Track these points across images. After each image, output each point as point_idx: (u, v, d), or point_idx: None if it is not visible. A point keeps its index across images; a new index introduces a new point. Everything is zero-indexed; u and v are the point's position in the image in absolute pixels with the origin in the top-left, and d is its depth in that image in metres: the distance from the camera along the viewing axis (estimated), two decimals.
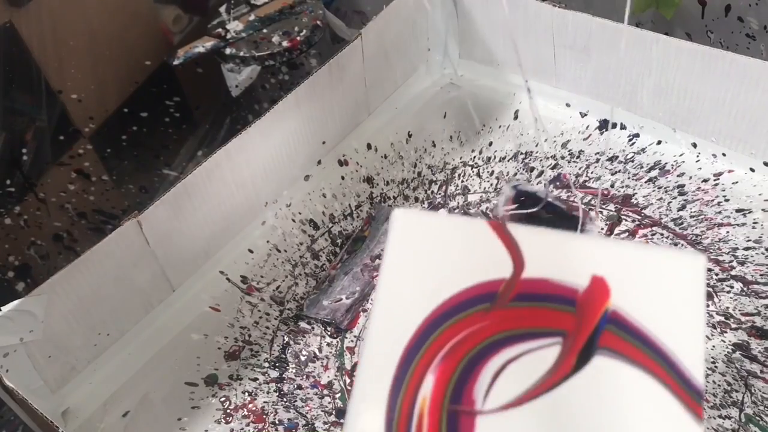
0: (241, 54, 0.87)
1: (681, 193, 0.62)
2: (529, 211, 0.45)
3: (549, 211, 0.46)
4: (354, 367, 0.55)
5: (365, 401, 0.22)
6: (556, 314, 0.23)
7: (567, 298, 0.23)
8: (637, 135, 0.68)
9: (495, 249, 0.24)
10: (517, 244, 0.24)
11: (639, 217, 0.61)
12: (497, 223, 0.25)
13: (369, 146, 0.72)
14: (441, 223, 0.25)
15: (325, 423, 0.52)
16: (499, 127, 0.72)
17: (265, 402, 0.54)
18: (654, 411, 0.21)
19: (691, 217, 0.60)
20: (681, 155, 0.65)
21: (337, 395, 0.54)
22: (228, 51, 0.87)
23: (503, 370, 0.22)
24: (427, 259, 0.24)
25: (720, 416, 0.48)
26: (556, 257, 0.24)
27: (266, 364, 0.56)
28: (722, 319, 0.53)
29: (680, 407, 0.21)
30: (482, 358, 0.22)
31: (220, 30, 0.90)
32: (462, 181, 0.67)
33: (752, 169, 0.62)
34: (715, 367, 0.51)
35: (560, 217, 0.47)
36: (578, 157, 0.67)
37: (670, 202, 0.62)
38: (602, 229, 0.61)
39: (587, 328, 0.23)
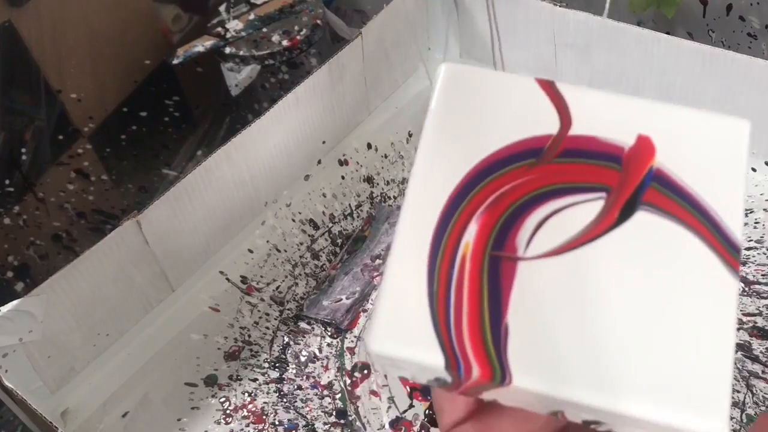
0: (241, 53, 0.87)
1: None
2: None
3: None
4: (354, 367, 0.55)
5: (407, 247, 0.23)
6: (601, 170, 0.23)
7: (613, 155, 0.23)
8: None
9: (542, 106, 0.24)
10: (566, 102, 0.24)
11: None
12: (546, 81, 0.24)
13: (369, 146, 0.72)
14: (489, 78, 0.25)
15: (325, 424, 0.52)
16: None
17: (265, 402, 0.54)
18: (693, 262, 0.22)
19: None
20: None
21: (338, 396, 0.53)
22: (228, 50, 0.87)
23: (546, 221, 0.23)
24: (473, 113, 0.24)
25: None
26: (603, 116, 0.24)
27: (266, 365, 0.56)
28: None
29: (718, 260, 0.22)
30: (526, 209, 0.23)
31: (219, 29, 0.90)
32: None
33: (754, 169, 0.62)
34: None
35: None
36: None
37: None
38: None
39: (632, 184, 0.23)
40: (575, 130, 0.24)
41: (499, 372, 0.21)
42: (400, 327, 0.22)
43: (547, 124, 0.24)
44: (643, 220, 0.22)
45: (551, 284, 0.22)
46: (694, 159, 0.23)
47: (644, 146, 0.23)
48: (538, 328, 0.22)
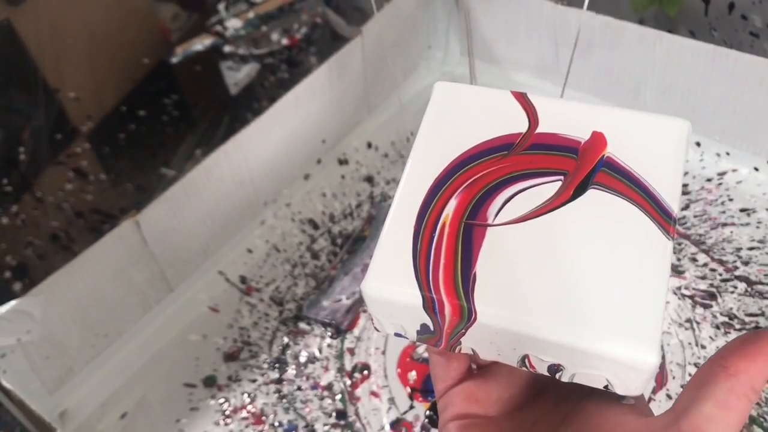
0: (240, 52, 0.87)
1: (684, 193, 0.62)
2: None
3: None
4: (354, 368, 0.55)
5: (399, 217, 0.28)
6: (561, 159, 0.28)
7: (571, 147, 0.29)
8: None
9: (515, 111, 0.30)
10: (535, 108, 0.30)
11: None
12: (519, 93, 0.31)
13: (369, 145, 0.71)
14: (473, 92, 0.31)
15: (324, 425, 0.52)
16: None
17: (264, 403, 0.54)
18: (633, 227, 0.26)
19: (694, 216, 0.60)
20: None
21: (337, 396, 0.53)
22: (227, 49, 0.87)
23: (513, 198, 0.28)
24: (458, 119, 0.30)
25: None
26: (565, 118, 0.29)
27: (265, 365, 0.56)
28: (726, 319, 0.53)
29: (654, 225, 0.26)
30: (497, 189, 0.28)
31: (218, 27, 0.90)
32: None
33: (756, 169, 0.62)
34: None
35: None
36: None
37: None
38: None
39: (585, 168, 0.28)
40: (541, 129, 0.29)
41: (466, 310, 0.26)
42: (389, 275, 0.27)
43: (518, 124, 0.30)
44: (593, 196, 0.27)
45: (514, 243, 0.27)
46: (640, 150, 0.28)
47: (598, 140, 0.29)
48: (501, 276, 0.26)
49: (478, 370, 0.32)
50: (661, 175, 0.28)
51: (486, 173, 0.29)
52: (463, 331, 0.27)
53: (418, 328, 0.28)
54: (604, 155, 0.28)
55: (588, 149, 0.28)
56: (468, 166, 0.29)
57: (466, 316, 0.26)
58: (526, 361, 0.27)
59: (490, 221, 0.27)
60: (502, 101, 0.31)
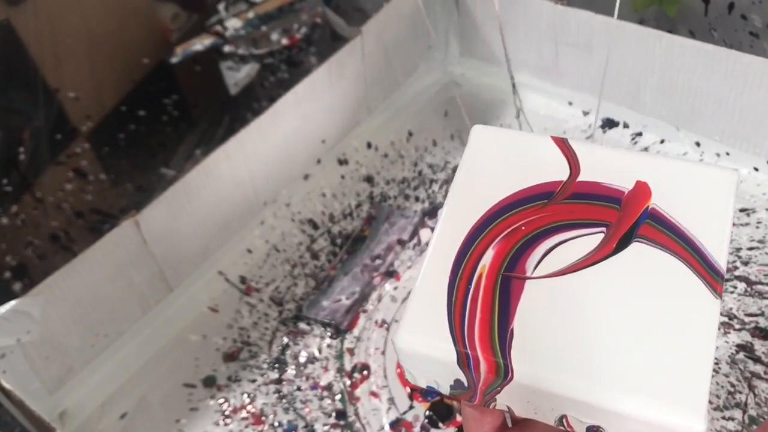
0: (240, 52, 0.87)
1: None
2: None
3: None
4: (354, 368, 0.55)
5: (434, 267, 0.27)
6: (603, 209, 0.27)
7: (614, 197, 0.28)
8: (639, 134, 0.67)
9: (556, 157, 0.29)
10: (576, 155, 0.29)
11: None
12: (560, 138, 0.29)
13: (369, 145, 0.71)
14: (511, 136, 0.30)
15: (324, 425, 0.52)
16: (501, 125, 0.71)
17: (264, 403, 0.54)
18: (679, 284, 0.25)
19: None
20: (684, 154, 0.65)
21: (337, 397, 0.53)
22: (227, 49, 0.87)
23: (553, 250, 0.27)
24: (497, 165, 0.29)
25: (723, 417, 0.48)
26: (607, 166, 0.28)
27: (265, 366, 0.56)
28: (726, 319, 0.53)
29: (702, 284, 0.25)
30: (537, 240, 0.27)
31: (218, 27, 0.90)
32: None
33: (756, 169, 0.62)
34: (719, 368, 0.50)
35: None
36: None
37: None
38: None
39: (629, 220, 0.27)
40: (582, 177, 0.28)
41: (503, 368, 0.25)
42: (422, 328, 0.26)
43: (559, 172, 0.29)
44: (637, 250, 0.26)
45: (554, 298, 0.26)
46: (686, 202, 0.27)
47: (642, 190, 0.27)
48: (540, 333, 0.25)
49: (514, 425, 0.30)
50: (709, 229, 0.26)
51: (525, 223, 0.27)
52: (499, 388, 0.26)
53: (452, 383, 0.27)
54: (648, 206, 0.27)
55: (632, 200, 0.27)
56: (506, 214, 0.28)
57: (503, 374, 0.25)
58: (564, 421, 0.26)
59: (528, 274, 0.26)
60: (542, 146, 0.29)
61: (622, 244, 0.26)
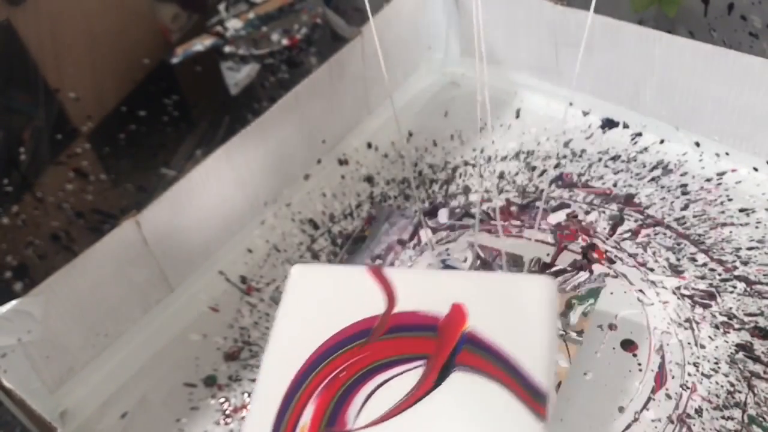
0: (241, 52, 0.87)
1: (684, 193, 0.62)
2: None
3: None
4: None
5: (254, 430, 0.26)
6: (421, 341, 0.27)
7: (430, 326, 0.27)
8: (639, 134, 0.67)
9: (372, 290, 0.29)
10: (391, 284, 0.29)
11: (642, 217, 0.61)
12: (376, 267, 0.29)
13: (369, 145, 0.71)
14: (330, 272, 0.31)
15: None
16: (501, 125, 0.71)
17: None
18: (502, 413, 0.25)
19: (694, 216, 0.60)
20: (684, 154, 0.65)
21: None
22: (227, 49, 0.87)
23: (373, 394, 0.26)
24: (316, 305, 0.29)
25: (723, 417, 0.48)
26: (423, 291, 0.28)
27: None
28: (725, 319, 0.53)
29: (524, 408, 0.25)
30: (356, 386, 0.26)
31: (219, 28, 0.90)
32: (463, 181, 0.67)
33: (756, 169, 0.62)
34: (718, 367, 0.50)
35: None
36: (580, 156, 0.67)
37: (673, 201, 0.61)
38: (605, 229, 0.60)
39: (447, 349, 0.26)
40: (399, 307, 0.28)
41: None
42: None
43: (376, 305, 0.28)
44: (458, 379, 0.26)
45: None
46: (504, 318, 0.27)
47: (457, 314, 0.27)
48: None
49: None
50: (529, 345, 0.26)
51: (344, 368, 0.27)
52: None
53: None
54: (465, 331, 0.27)
55: (448, 326, 0.27)
56: (325, 361, 0.27)
57: None
58: None
59: (350, 427, 0.25)
60: (359, 279, 0.29)
61: (443, 376, 0.26)
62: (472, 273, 0.28)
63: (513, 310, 0.27)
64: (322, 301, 0.29)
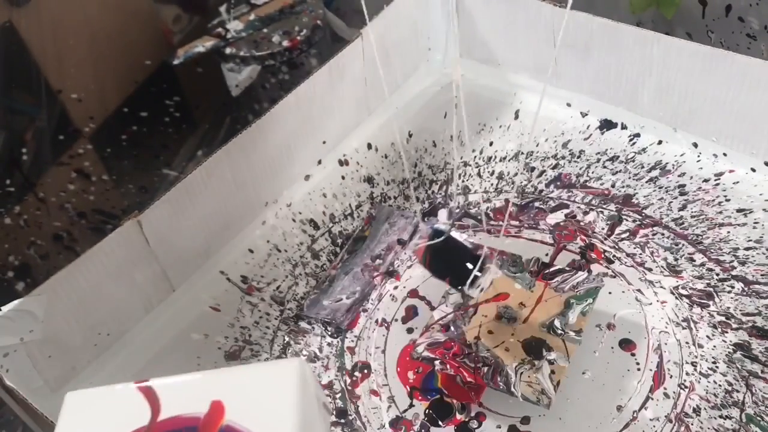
0: (241, 53, 0.87)
1: (682, 193, 0.62)
2: (435, 241, 0.51)
3: (452, 245, 0.52)
4: (354, 367, 0.55)
5: None
6: None
7: (191, 426, 0.28)
8: (638, 135, 0.68)
9: (138, 404, 0.29)
10: (156, 394, 0.29)
11: (640, 217, 0.61)
12: (142, 381, 0.30)
13: (369, 146, 0.72)
14: (101, 395, 0.31)
15: None
16: (500, 126, 0.72)
17: None
18: None
19: (692, 217, 0.60)
20: (682, 155, 0.65)
21: (338, 395, 0.54)
22: (228, 50, 0.87)
23: None
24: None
25: (721, 416, 0.48)
26: (184, 395, 0.29)
27: None
28: (723, 319, 0.53)
29: None
30: None
31: (220, 29, 0.90)
32: (463, 181, 0.67)
33: (753, 169, 0.62)
34: (716, 367, 0.51)
35: (464, 255, 0.52)
36: (579, 157, 0.67)
37: (671, 202, 0.62)
38: (603, 229, 0.61)
39: None
40: (163, 414, 0.28)
41: None
42: None
43: (141, 417, 0.28)
44: None
45: None
46: (256, 407, 0.27)
47: (216, 409, 0.28)
48: None
49: None
50: (280, 428, 0.27)
51: None
52: None
53: None
54: (222, 426, 0.27)
55: (207, 424, 0.27)
56: None
57: None
58: None
59: None
60: (126, 397, 0.29)
61: None
62: (231, 369, 0.30)
63: (265, 397, 0.28)
64: (92, 427, 0.30)
